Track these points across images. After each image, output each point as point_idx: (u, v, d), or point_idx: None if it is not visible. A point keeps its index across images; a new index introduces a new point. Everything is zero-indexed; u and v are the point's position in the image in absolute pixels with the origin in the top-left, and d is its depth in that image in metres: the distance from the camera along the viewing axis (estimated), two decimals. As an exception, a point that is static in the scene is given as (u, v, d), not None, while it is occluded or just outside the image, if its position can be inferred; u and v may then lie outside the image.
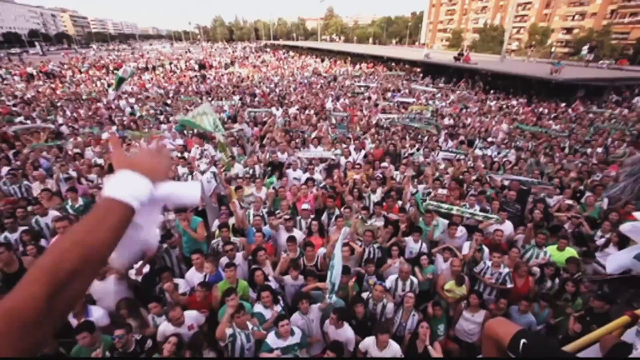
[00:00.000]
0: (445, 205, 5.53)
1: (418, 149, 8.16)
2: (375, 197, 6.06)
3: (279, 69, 28.72)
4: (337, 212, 5.56)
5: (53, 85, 20.67)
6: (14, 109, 13.37)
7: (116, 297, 3.93)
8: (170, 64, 32.49)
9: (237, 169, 6.81)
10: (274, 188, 6.13)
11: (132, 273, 4.36)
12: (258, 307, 3.95)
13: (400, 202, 5.95)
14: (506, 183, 6.64)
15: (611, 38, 42.96)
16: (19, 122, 10.88)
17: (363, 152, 7.65)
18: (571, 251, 4.80)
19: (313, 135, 8.66)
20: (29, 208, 5.34)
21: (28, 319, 0.46)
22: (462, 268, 4.63)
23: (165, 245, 4.79)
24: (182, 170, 6.65)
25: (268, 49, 54.88)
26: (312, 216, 5.38)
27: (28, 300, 0.47)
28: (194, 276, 4.34)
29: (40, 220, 5.12)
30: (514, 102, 16.49)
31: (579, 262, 4.63)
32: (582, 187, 6.65)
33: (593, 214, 5.76)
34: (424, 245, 5.11)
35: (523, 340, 1.22)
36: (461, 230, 5.24)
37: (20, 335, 0.45)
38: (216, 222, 5.43)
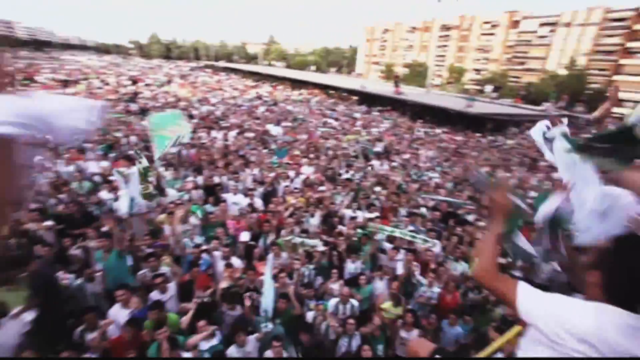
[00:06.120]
0: (387, 229, 5.86)
1: (353, 174, 8.62)
2: (314, 220, 6.17)
3: (219, 91, 28.19)
4: (272, 237, 5.51)
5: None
6: None
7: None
8: (97, 78, 29.71)
9: (171, 193, 6.40)
10: (208, 213, 5.87)
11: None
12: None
13: (340, 227, 6.13)
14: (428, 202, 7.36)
15: (508, 80, 51.41)
16: None
17: (302, 177, 7.81)
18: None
19: (252, 159, 8.61)
20: None
21: None
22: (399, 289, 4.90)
23: (78, 281, 4.23)
24: (107, 195, 6.02)
25: (208, 70, 53.71)
26: (251, 243, 5.25)
27: None
28: (119, 313, 3.87)
29: None
30: (438, 131, 18.49)
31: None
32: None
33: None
34: (362, 265, 5.31)
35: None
36: (401, 253, 5.53)
37: None
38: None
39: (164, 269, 4.56)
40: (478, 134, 18.44)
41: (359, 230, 6.07)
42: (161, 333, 3.27)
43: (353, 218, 6.43)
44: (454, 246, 5.64)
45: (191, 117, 15.21)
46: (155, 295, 4.16)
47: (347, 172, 8.75)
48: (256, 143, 10.33)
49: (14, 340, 3.47)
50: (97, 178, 7.27)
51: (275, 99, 25.34)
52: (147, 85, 29.65)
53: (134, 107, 17.40)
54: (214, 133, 11.21)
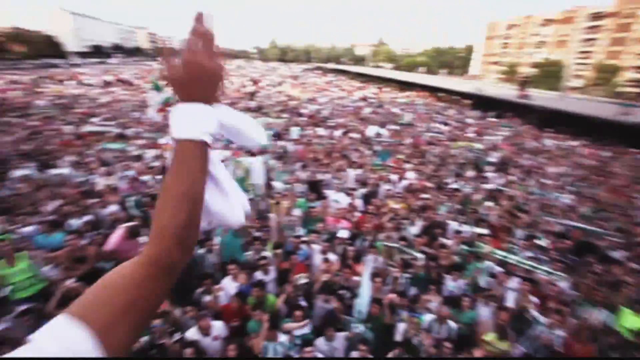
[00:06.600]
0: (500, 253, 5.18)
1: (462, 184, 7.86)
2: (415, 229, 5.86)
3: (326, 92, 29.53)
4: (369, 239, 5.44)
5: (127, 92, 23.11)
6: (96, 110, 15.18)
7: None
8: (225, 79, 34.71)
9: (276, 185, 6.99)
10: (310, 208, 6.18)
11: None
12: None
13: (443, 239, 5.69)
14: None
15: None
16: (91, 122, 12.25)
17: (405, 182, 7.51)
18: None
19: (355, 159, 8.70)
20: (91, 200, 5.92)
21: (168, 265, 0.58)
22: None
23: (202, 250, 4.98)
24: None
25: (318, 71, 56.87)
26: (348, 241, 5.31)
27: (165, 251, 0.58)
28: (229, 285, 4.43)
29: (100, 212, 5.65)
30: (574, 143, 15.34)
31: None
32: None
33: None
34: (465, 286, 4.80)
35: None
36: (514, 281, 4.82)
37: (165, 278, 0.58)
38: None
39: (267, 252, 5.01)
40: (637, 150, 14.47)
41: (464, 247, 5.51)
42: (264, 314, 3.61)
43: (458, 232, 5.88)
44: (592, 287, 4.57)
45: (300, 115, 16.36)
46: (258, 274, 4.59)
47: (455, 181, 8.06)
48: (360, 143, 10.43)
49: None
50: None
51: (380, 100, 25.13)
52: (267, 85, 33.13)
53: (252, 104, 19.69)
54: (320, 131, 11.78)
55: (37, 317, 3.49)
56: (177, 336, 3.53)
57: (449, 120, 18.45)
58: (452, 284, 4.81)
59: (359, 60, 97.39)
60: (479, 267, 5.00)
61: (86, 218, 5.40)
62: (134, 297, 0.54)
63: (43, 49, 64.90)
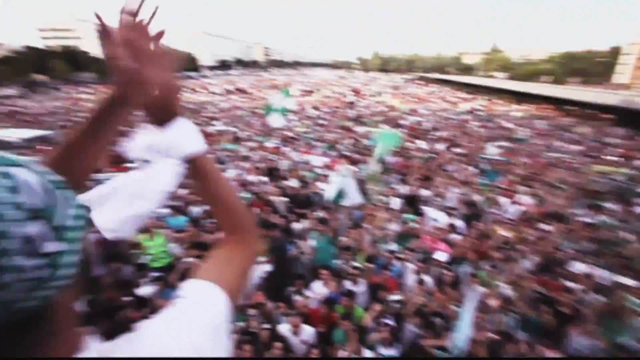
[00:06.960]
0: None
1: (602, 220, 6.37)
2: (528, 263, 5.00)
3: (428, 103, 28.18)
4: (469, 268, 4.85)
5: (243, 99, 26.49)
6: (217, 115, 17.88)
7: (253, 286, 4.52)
8: (328, 89, 36.50)
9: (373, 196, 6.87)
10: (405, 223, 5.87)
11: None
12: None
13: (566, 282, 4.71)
14: None
15: None
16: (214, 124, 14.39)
17: (520, 208, 6.49)
18: None
19: (458, 176, 7.97)
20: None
21: (254, 240, 0.79)
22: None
23: (295, 252, 5.21)
24: (323, 186, 7.14)
25: (421, 82, 54.88)
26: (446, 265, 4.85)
27: (252, 230, 0.80)
28: (319, 289, 4.51)
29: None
30: None
31: None
32: None
33: None
34: (597, 345, 3.83)
35: None
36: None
37: (256, 252, 0.80)
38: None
39: (358, 263, 4.93)
40: None
41: (598, 296, 4.44)
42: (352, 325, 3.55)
43: (588, 276, 4.78)
44: None
45: (400, 126, 15.92)
46: (348, 284, 4.55)
47: (588, 214, 6.61)
48: (464, 160, 9.53)
49: (255, 280, 4.70)
50: (318, 170, 8.80)
51: (490, 113, 22.68)
52: (370, 95, 33.49)
53: (351, 114, 20.09)
54: (420, 144, 11.24)
55: (164, 284, 4.19)
56: (266, 326, 3.74)
57: (580, 138, 15.39)
58: (580, 341, 3.91)
59: (467, 70, 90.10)
60: (623, 326, 3.95)
61: (204, 207, 6.26)
62: (245, 266, 0.72)
63: (184, 64, 79.87)
